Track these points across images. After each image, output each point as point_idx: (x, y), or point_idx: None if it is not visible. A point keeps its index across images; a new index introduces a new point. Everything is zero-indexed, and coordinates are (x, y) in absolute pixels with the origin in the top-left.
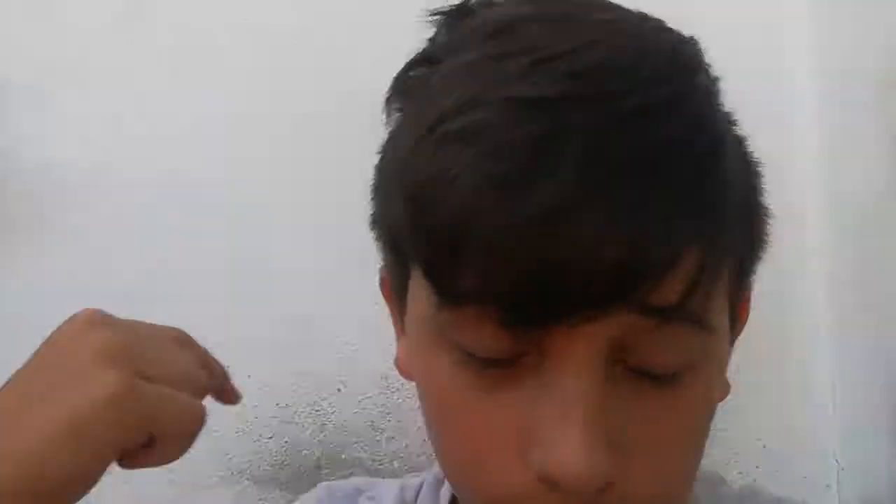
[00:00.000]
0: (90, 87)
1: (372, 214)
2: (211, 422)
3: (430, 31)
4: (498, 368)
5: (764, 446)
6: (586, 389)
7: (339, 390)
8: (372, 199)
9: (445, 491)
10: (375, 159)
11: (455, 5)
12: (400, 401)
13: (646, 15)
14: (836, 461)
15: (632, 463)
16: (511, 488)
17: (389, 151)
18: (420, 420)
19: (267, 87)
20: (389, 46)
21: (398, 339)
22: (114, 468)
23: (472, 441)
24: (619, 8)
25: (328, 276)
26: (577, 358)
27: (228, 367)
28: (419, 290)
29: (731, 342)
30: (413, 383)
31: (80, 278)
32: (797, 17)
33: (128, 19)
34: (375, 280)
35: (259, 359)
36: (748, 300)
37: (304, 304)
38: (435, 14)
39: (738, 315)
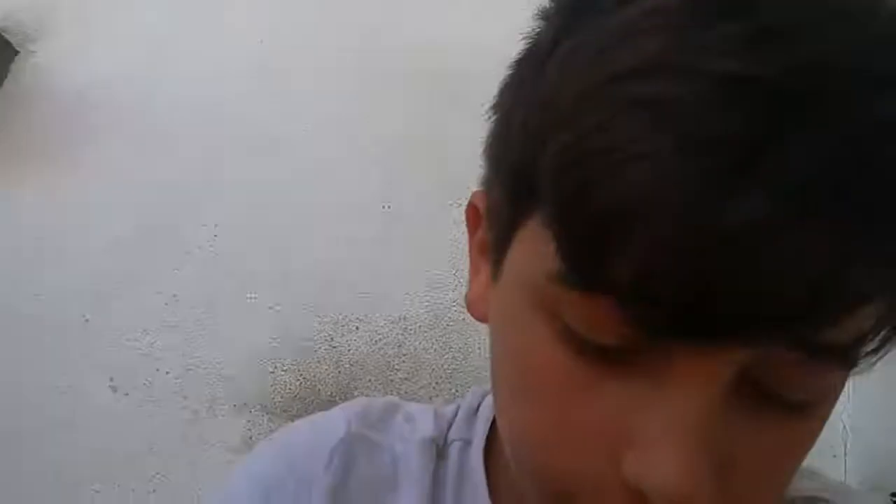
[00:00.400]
0: (135, 8)
1: (490, 140)
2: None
3: None
4: (609, 355)
5: None
6: (705, 409)
7: (357, 328)
8: (495, 118)
9: (480, 425)
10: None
11: None
12: (417, 343)
13: None
14: (845, 427)
15: (734, 486)
16: (588, 481)
17: (537, 77)
18: (434, 363)
19: (314, 20)
20: None
21: (474, 274)
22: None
23: (560, 424)
24: None
25: (351, 221)
26: (705, 374)
27: (255, 296)
28: (535, 246)
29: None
30: (429, 332)
31: (112, 200)
32: None
33: None
34: (401, 232)
35: (283, 293)
36: None
37: (327, 246)
38: None
39: None
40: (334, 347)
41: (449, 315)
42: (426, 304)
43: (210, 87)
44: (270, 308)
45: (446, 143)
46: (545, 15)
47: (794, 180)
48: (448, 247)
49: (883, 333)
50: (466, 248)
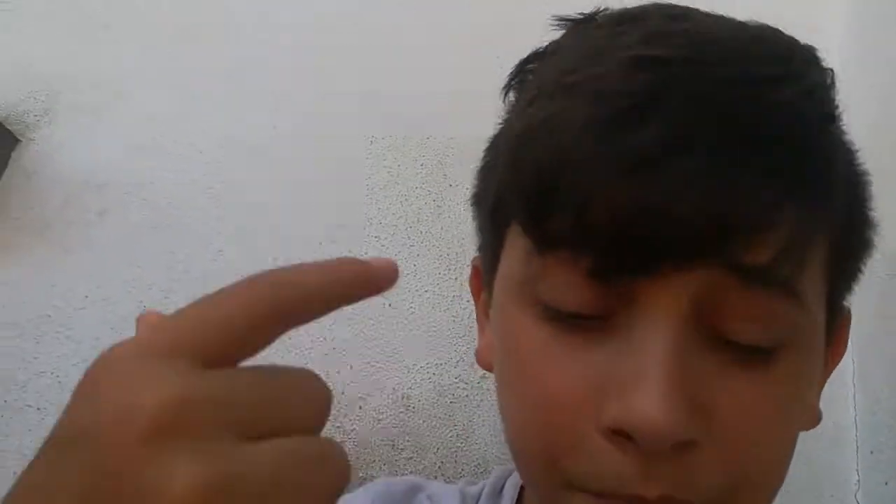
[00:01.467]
0: (136, 100)
1: (475, 194)
2: None
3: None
4: (582, 326)
5: None
6: (669, 343)
7: (360, 408)
8: (477, 179)
9: (507, 501)
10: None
11: (583, 14)
12: (420, 421)
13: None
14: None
15: (714, 431)
16: (584, 445)
17: (500, 130)
18: (438, 441)
19: (312, 110)
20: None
21: (481, 332)
22: None
23: (548, 396)
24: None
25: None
26: (662, 311)
27: None
28: (512, 249)
29: (828, 369)
30: (432, 407)
31: (110, 288)
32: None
33: (179, 40)
34: (402, 307)
35: None
36: (846, 327)
37: (327, 325)
38: (562, 20)
39: (835, 332)
40: (337, 427)
41: (452, 392)
42: (429, 381)
43: (216, 173)
44: None
45: (443, 219)
46: (505, 97)
47: (684, 115)
48: (449, 322)
49: (800, 249)
50: (467, 324)
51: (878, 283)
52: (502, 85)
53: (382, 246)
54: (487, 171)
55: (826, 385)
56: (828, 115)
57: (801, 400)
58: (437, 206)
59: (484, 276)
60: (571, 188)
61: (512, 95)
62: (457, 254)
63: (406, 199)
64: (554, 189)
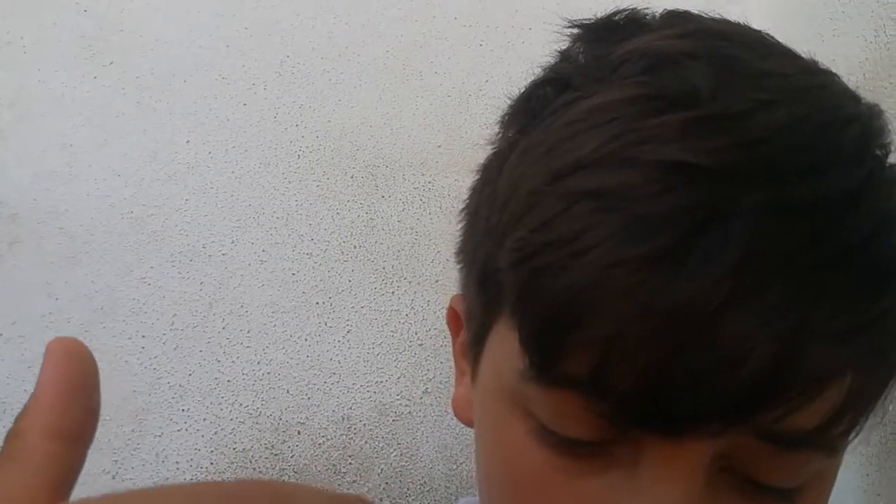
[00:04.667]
0: (44, 123)
1: (461, 241)
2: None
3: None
4: (581, 451)
5: None
6: (680, 495)
7: (298, 433)
8: (463, 221)
9: None
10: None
11: (600, 19)
12: (363, 442)
13: (817, 65)
14: None
15: None
16: None
17: (498, 178)
18: (382, 462)
19: (236, 126)
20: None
21: (459, 377)
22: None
23: None
24: (784, 51)
25: (288, 318)
26: (679, 467)
27: (187, 408)
28: (504, 346)
29: None
30: (376, 428)
31: (26, 324)
32: None
33: (92, 58)
34: (338, 325)
35: (215, 400)
36: None
37: (261, 347)
38: (574, 25)
39: None
40: (275, 455)
41: (395, 410)
42: (369, 400)
43: (131, 195)
44: (204, 419)
45: (377, 232)
46: (504, 120)
47: (735, 256)
48: (388, 337)
49: (853, 414)
50: (407, 338)
51: None
52: (436, 94)
53: (315, 263)
54: (480, 229)
55: None
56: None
57: None
58: (370, 218)
59: (468, 335)
60: (595, 334)
61: (515, 125)
62: (393, 266)
63: (338, 214)
64: (571, 329)
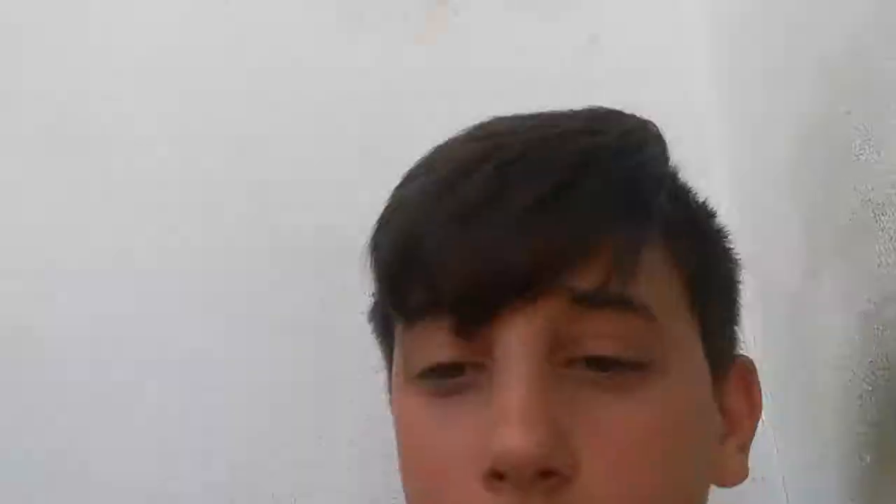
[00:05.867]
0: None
1: (369, 312)
2: None
3: None
4: (457, 386)
5: None
6: (524, 379)
7: None
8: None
9: None
10: None
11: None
12: None
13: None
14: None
15: (585, 458)
16: (470, 501)
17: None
18: None
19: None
20: None
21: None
22: None
23: (434, 470)
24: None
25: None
26: (515, 352)
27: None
28: (396, 345)
29: (744, 424)
30: None
31: None
32: (706, 113)
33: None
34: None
35: (143, 469)
36: (748, 378)
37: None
38: None
39: (733, 378)
40: None
41: None
42: None
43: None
44: None
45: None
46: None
47: (499, 168)
48: (378, 443)
49: (628, 268)
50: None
51: None
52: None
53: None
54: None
55: None
56: (644, 147)
57: (685, 430)
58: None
59: (385, 385)
60: (419, 258)
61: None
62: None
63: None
64: (407, 263)
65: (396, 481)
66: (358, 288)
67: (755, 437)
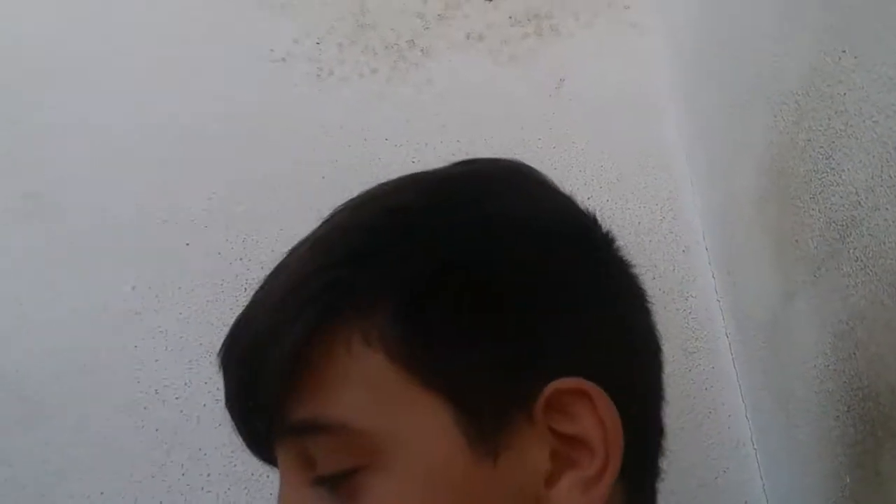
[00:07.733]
0: None
1: None
2: None
3: None
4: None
5: None
6: (282, 495)
7: None
8: None
9: None
10: None
11: None
12: None
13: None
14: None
15: None
16: None
17: None
18: None
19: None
20: None
21: None
22: None
23: None
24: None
25: (248, 456)
26: (280, 471)
27: None
28: None
29: (590, 453)
30: None
31: None
32: (674, 150)
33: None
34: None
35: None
36: (570, 404)
37: (224, 487)
38: None
39: (516, 406)
40: None
41: None
42: None
43: (79, 347)
44: None
45: None
46: None
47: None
48: None
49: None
50: None
51: None
52: None
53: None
54: None
55: None
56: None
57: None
58: None
59: None
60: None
61: None
62: None
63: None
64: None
65: None
66: None
67: (739, 462)
